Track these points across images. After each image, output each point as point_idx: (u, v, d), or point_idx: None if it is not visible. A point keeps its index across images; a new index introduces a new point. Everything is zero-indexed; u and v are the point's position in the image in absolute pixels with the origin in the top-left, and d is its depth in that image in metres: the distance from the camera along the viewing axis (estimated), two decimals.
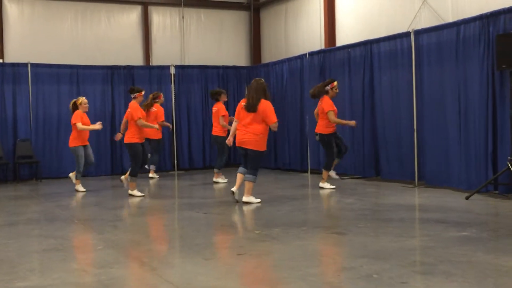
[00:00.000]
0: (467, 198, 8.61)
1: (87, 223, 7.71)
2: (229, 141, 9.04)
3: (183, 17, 15.99)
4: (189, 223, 7.58)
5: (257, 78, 8.87)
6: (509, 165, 8.36)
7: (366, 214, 7.70)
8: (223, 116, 11.93)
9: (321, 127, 10.22)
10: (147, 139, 12.72)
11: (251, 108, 8.52)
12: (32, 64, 13.70)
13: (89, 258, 5.56)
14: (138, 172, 10.07)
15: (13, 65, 13.60)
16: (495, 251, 5.36)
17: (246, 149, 8.63)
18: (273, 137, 14.77)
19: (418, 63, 10.38)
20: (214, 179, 12.08)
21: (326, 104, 10.12)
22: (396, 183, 10.84)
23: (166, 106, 14.98)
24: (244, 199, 8.68)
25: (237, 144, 8.75)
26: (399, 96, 10.89)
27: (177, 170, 14.94)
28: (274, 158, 14.82)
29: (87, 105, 11.25)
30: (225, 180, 11.95)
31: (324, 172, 10.34)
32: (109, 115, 14.38)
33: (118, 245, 6.25)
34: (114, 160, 14.44)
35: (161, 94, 13.39)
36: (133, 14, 15.53)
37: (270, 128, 8.65)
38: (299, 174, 13.46)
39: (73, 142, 11.02)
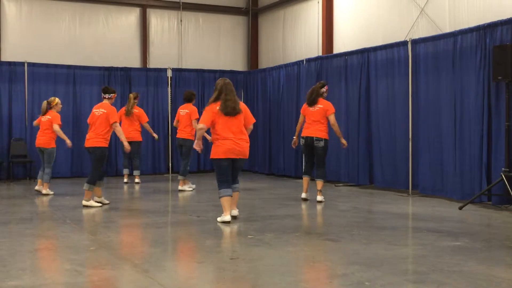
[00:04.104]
0: (460, 208, 8.63)
1: (80, 223, 7.68)
2: (199, 145, 7.61)
3: (181, 21, 16.00)
4: (182, 226, 7.56)
5: (225, 78, 7.70)
6: (503, 176, 8.39)
7: (359, 221, 7.70)
8: (197, 119, 11.04)
9: (325, 133, 9.53)
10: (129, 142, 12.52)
11: (235, 111, 7.45)
12: (29, 63, 13.69)
13: (81, 259, 5.54)
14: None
15: (10, 63, 13.60)
16: (487, 262, 5.37)
17: (237, 160, 7.53)
18: (268, 142, 14.80)
19: (414, 72, 10.42)
20: (180, 188, 11.21)
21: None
22: (390, 191, 10.85)
23: (162, 109, 15.01)
24: (235, 212, 7.81)
25: (229, 156, 7.43)
26: (395, 104, 10.91)
27: (172, 173, 14.92)
28: (269, 164, 14.82)
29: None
30: (193, 187, 11.43)
31: (322, 183, 9.58)
32: None
33: (110, 246, 6.23)
34: (108, 160, 14.37)
35: (138, 94, 12.95)
36: (131, 16, 15.54)
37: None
38: (293, 180, 13.46)
39: (52, 142, 10.78)
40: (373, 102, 11.48)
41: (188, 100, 11.44)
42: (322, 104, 9.46)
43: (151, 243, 6.50)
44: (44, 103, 10.94)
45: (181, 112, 11.44)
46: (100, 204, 9.21)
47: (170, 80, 15.16)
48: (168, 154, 15.01)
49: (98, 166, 9.11)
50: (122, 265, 5.42)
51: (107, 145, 9.18)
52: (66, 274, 5.04)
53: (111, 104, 9.29)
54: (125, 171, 12.80)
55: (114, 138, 14.19)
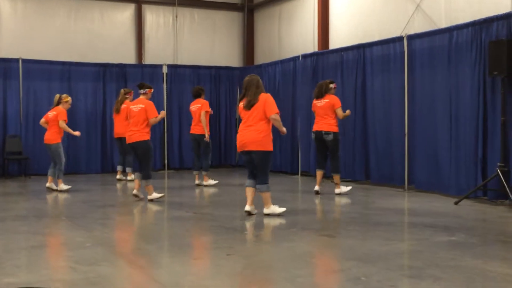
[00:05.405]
0: (456, 203, 8.64)
1: (76, 220, 7.66)
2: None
3: (176, 17, 15.96)
4: (179, 222, 7.56)
5: (253, 74, 7.92)
6: (499, 171, 8.40)
7: (356, 217, 7.71)
8: (207, 111, 11.23)
9: (334, 126, 9.78)
10: (119, 139, 12.45)
11: (252, 103, 7.53)
12: (23, 60, 13.64)
13: (77, 256, 5.53)
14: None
15: (4, 60, 13.54)
16: (483, 256, 5.38)
17: (250, 154, 7.54)
18: None
19: (410, 68, 10.41)
20: (205, 183, 11.33)
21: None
22: (386, 187, 10.86)
23: (157, 105, 14.93)
24: (266, 211, 7.64)
25: (238, 150, 7.71)
26: (391, 100, 10.91)
27: (167, 169, 14.91)
28: None
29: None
30: (216, 181, 11.50)
31: (338, 176, 9.86)
32: (100, 112, 14.33)
33: (106, 243, 6.22)
34: (104, 157, 14.39)
35: (132, 91, 12.47)
36: (126, 12, 15.49)
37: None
38: (289, 176, 13.46)
39: (57, 137, 10.64)
40: (369, 97, 11.48)
41: (197, 95, 11.46)
42: (329, 99, 9.78)
43: (147, 239, 6.49)
44: (57, 96, 10.89)
45: (192, 108, 11.47)
46: (163, 194, 9.45)
47: (166, 76, 15.13)
48: (163, 150, 14.99)
49: (147, 160, 9.24)
50: (118, 261, 5.41)
51: (149, 138, 9.29)
52: (61, 271, 5.03)
53: (149, 99, 9.44)
54: (119, 168, 12.72)
55: (110, 133, 14.16)
